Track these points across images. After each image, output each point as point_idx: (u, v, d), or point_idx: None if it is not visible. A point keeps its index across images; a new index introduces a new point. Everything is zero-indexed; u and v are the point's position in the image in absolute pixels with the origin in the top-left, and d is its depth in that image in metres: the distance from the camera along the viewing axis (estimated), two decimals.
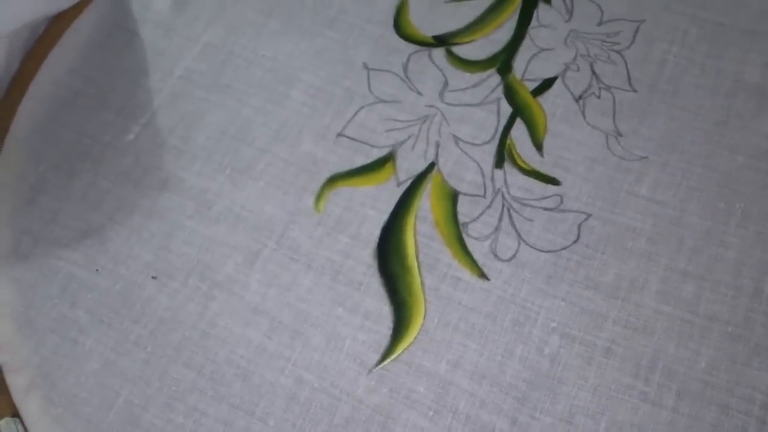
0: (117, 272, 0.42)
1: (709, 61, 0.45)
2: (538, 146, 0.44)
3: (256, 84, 0.48)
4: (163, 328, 0.41)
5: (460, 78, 0.47)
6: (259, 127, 0.46)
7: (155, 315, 0.41)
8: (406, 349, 0.39)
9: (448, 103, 0.46)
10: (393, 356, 0.39)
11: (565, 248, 0.41)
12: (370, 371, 0.39)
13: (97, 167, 0.46)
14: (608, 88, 0.45)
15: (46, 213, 0.44)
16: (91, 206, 0.44)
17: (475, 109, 0.46)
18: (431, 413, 0.38)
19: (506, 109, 0.45)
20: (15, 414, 0.39)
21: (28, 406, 0.39)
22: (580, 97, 0.42)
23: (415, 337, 0.39)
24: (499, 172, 0.43)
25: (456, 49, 0.48)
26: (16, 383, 0.40)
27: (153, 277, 0.42)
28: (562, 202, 0.42)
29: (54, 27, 0.51)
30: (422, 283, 0.41)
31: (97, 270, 0.43)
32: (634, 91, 0.45)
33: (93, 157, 0.46)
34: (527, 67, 0.47)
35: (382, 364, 0.39)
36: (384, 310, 0.40)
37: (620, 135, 0.44)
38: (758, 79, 0.44)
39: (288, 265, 0.42)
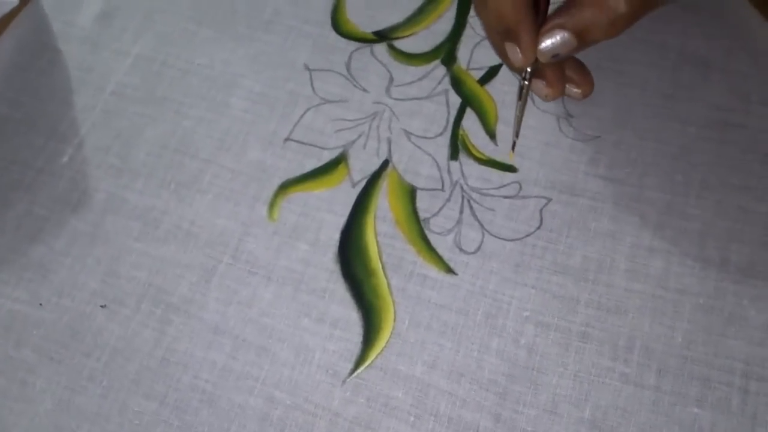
0: (63, 305, 0.40)
1: (651, 36, 0.45)
2: (491, 135, 0.43)
3: (193, 94, 0.46)
4: (119, 359, 0.38)
5: (405, 72, 0.46)
6: (201, 138, 0.44)
7: (108, 346, 0.39)
8: (379, 354, 0.38)
9: (395, 99, 0.45)
10: (366, 363, 0.38)
11: (529, 235, 0.40)
12: (344, 382, 0.37)
13: (31, 195, 0.43)
14: None
15: None
16: (29, 237, 0.41)
17: (424, 102, 0.44)
18: (412, 419, 0.36)
19: (455, 100, 0.44)
20: None
21: None
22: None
23: (387, 341, 0.38)
24: (455, 164, 0.42)
25: (398, 44, 0.47)
26: None
27: (102, 306, 0.40)
28: (521, 188, 0.41)
29: None
30: (389, 285, 0.39)
31: (41, 304, 0.40)
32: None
33: (26, 184, 0.43)
34: (471, 56, 0.46)
35: (355, 373, 0.37)
36: (352, 316, 0.39)
37: (571, 116, 0.43)
38: (702, 51, 0.45)
39: (246, 279, 0.40)
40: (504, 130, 0.43)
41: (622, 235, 0.40)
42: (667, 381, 0.36)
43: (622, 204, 0.40)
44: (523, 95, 0.39)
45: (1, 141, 0.45)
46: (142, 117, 0.45)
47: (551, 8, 0.37)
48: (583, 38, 0.35)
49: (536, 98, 0.44)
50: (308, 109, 0.45)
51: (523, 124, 0.42)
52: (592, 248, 0.39)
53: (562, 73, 0.39)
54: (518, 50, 0.36)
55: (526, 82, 0.38)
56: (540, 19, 0.37)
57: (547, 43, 0.36)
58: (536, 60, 0.37)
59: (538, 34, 0.36)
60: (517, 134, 0.41)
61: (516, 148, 0.42)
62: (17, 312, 0.40)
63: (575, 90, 0.40)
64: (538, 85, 0.39)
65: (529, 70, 0.38)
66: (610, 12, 0.34)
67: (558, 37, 0.35)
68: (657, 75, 0.44)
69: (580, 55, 0.38)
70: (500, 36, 0.37)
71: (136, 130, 0.45)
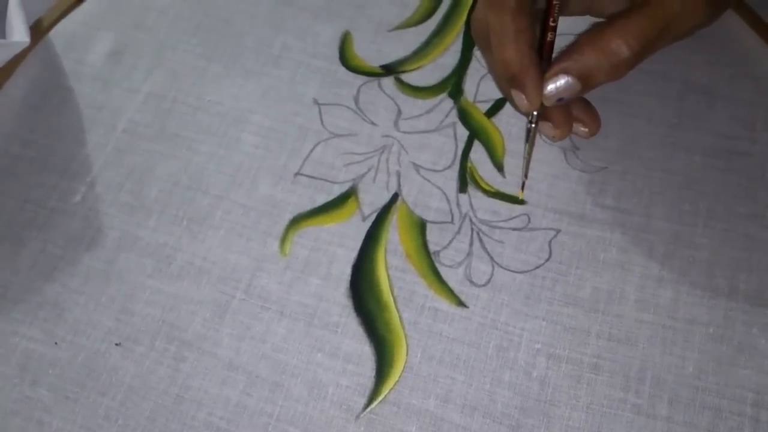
0: (78, 343, 0.40)
1: (655, 66, 0.46)
2: (499, 167, 0.44)
3: (204, 130, 0.46)
4: (134, 397, 0.39)
5: (413, 105, 0.46)
6: (212, 174, 0.45)
7: (123, 384, 0.39)
8: (392, 389, 0.38)
9: (404, 132, 0.45)
10: (380, 398, 0.38)
11: (539, 267, 0.40)
12: (357, 417, 0.38)
13: (44, 234, 0.43)
14: None
15: None
16: (43, 276, 0.42)
17: (432, 135, 0.45)
18: None
19: (463, 133, 0.45)
20: None
21: None
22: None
23: (400, 376, 0.38)
24: (464, 197, 0.43)
25: (405, 77, 0.47)
26: None
27: (117, 344, 0.40)
28: (530, 221, 0.42)
29: None
30: (401, 318, 0.40)
31: (56, 343, 0.40)
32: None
33: (39, 223, 0.44)
34: (478, 89, 0.46)
35: (369, 408, 0.38)
36: (365, 350, 0.39)
37: (577, 148, 0.44)
38: (705, 79, 0.45)
39: (259, 315, 0.40)
40: (511, 162, 0.44)
41: (631, 265, 0.40)
42: (679, 411, 0.36)
43: (631, 234, 0.41)
44: (530, 137, 0.40)
45: (14, 180, 0.45)
46: (154, 154, 0.46)
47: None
48: (586, 82, 0.36)
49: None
50: (318, 144, 0.45)
51: (531, 157, 0.43)
52: (602, 279, 0.40)
53: (568, 114, 0.39)
54: (524, 96, 0.37)
55: (533, 125, 0.39)
56: (544, 63, 0.37)
57: (551, 87, 0.36)
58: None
59: (542, 80, 0.37)
60: (526, 175, 0.41)
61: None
62: (32, 351, 0.40)
63: (582, 129, 0.40)
64: (546, 126, 0.39)
65: (535, 113, 0.39)
66: (612, 56, 0.35)
67: (562, 82, 0.36)
68: (662, 104, 0.45)
69: None
70: (506, 82, 0.38)
71: (148, 167, 0.45)
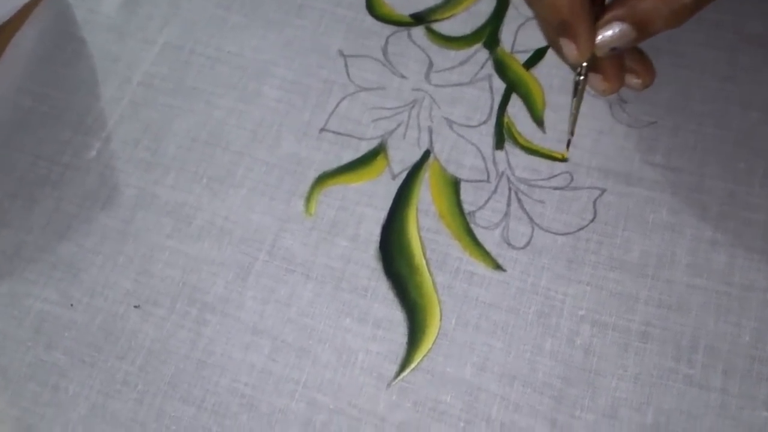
0: (95, 305, 0.38)
1: (708, 14, 0.42)
2: (539, 122, 0.41)
3: (224, 83, 0.44)
4: (154, 362, 0.37)
5: (446, 56, 0.43)
6: (233, 129, 0.42)
7: (143, 348, 0.37)
8: (425, 356, 0.36)
9: (435, 85, 0.42)
10: (412, 366, 0.36)
11: (582, 228, 0.38)
12: (389, 385, 0.35)
13: (58, 191, 0.41)
14: None
15: (8, 247, 0.40)
16: (58, 235, 0.40)
17: (466, 89, 0.42)
18: (462, 424, 0.34)
19: (499, 86, 0.42)
20: None
21: None
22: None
23: (434, 342, 0.36)
24: (500, 154, 0.40)
25: (436, 26, 0.44)
26: None
27: (135, 306, 0.38)
28: (572, 179, 0.39)
29: None
30: (433, 282, 0.37)
31: (72, 305, 0.38)
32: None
33: (53, 180, 0.41)
34: (516, 38, 0.43)
35: (401, 376, 0.36)
36: (396, 315, 0.37)
37: (624, 102, 0.41)
38: (760, 30, 0.42)
39: (284, 278, 0.38)
40: (552, 117, 0.41)
41: (683, 227, 0.37)
42: (734, 383, 0.34)
43: (682, 194, 0.38)
44: (579, 91, 0.37)
45: (26, 135, 0.43)
46: (172, 108, 0.43)
47: None
48: (643, 30, 0.33)
49: None
50: (344, 98, 0.43)
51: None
52: (651, 242, 0.37)
53: (621, 65, 0.36)
54: (574, 45, 0.34)
55: (582, 78, 0.36)
56: (597, 9, 0.34)
57: (604, 35, 0.33)
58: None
59: (594, 27, 0.33)
60: (572, 132, 0.38)
61: (566, 137, 0.39)
62: (47, 313, 0.38)
63: (635, 80, 0.37)
64: (595, 79, 0.36)
65: (585, 64, 0.36)
66: (672, 1, 0.31)
67: (617, 30, 0.33)
68: (714, 56, 0.42)
69: None
70: (554, 30, 0.35)
71: (165, 122, 0.43)
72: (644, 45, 0.38)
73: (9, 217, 0.41)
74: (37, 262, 0.39)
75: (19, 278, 0.39)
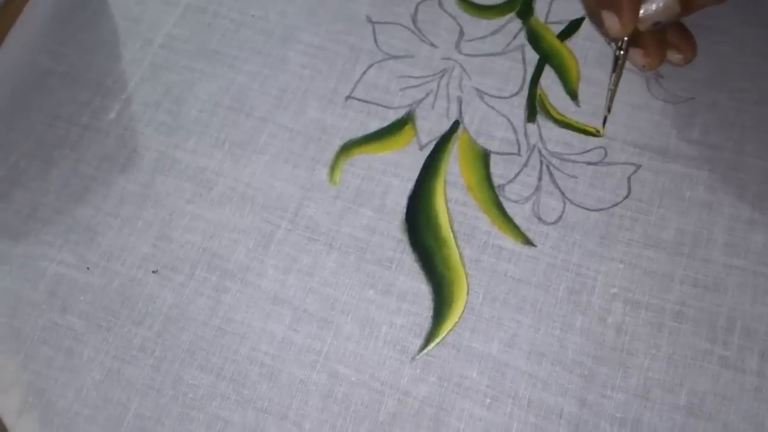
0: (112, 269, 0.37)
1: None
2: (573, 95, 0.40)
3: (248, 48, 0.43)
4: (172, 329, 0.36)
5: (477, 25, 0.42)
6: (257, 94, 0.41)
7: (161, 314, 0.36)
8: (451, 330, 0.35)
9: (466, 54, 0.41)
10: (437, 340, 0.35)
11: (616, 205, 0.37)
12: (413, 359, 0.34)
13: (76, 152, 0.40)
14: None
15: (24, 208, 0.39)
16: (75, 197, 0.39)
17: (498, 59, 0.41)
18: (488, 400, 0.33)
19: (532, 57, 0.41)
20: None
21: (23, 430, 0.34)
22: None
23: (460, 316, 0.35)
24: (532, 127, 0.39)
25: None
26: (6, 405, 0.35)
27: (154, 272, 0.37)
28: (606, 154, 0.38)
29: (11, 3, 0.45)
30: (461, 255, 0.36)
31: (88, 268, 0.37)
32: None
33: (71, 141, 0.40)
34: (550, 8, 0.42)
35: (426, 350, 0.35)
36: (421, 288, 0.36)
37: (661, 77, 0.39)
38: None
39: (307, 247, 0.37)
40: (586, 90, 0.39)
41: (720, 205, 0.36)
42: None
43: (719, 172, 0.37)
44: (619, 66, 0.35)
45: (44, 95, 0.42)
46: (194, 72, 0.42)
47: None
48: (687, 4, 0.32)
49: None
50: (371, 65, 0.41)
51: (606, 84, 0.38)
52: (687, 220, 0.36)
53: (663, 40, 0.35)
54: (617, 18, 0.33)
55: (622, 52, 0.35)
56: None
57: (648, 9, 0.32)
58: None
59: (639, 0, 0.32)
60: (609, 109, 0.37)
61: (600, 111, 0.38)
62: (62, 275, 0.37)
63: (677, 56, 0.36)
64: (636, 54, 0.35)
65: (626, 38, 0.34)
66: None
67: (661, 3, 0.32)
68: (754, 33, 0.40)
69: None
70: (596, 2, 0.33)
71: (187, 86, 0.42)
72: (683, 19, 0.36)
73: (25, 178, 0.40)
74: (53, 224, 0.38)
75: (34, 240, 0.38)
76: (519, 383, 0.33)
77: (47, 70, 0.43)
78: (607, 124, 0.38)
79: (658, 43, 0.35)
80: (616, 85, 0.36)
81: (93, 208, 0.39)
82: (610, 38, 0.35)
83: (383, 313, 0.35)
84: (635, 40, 0.35)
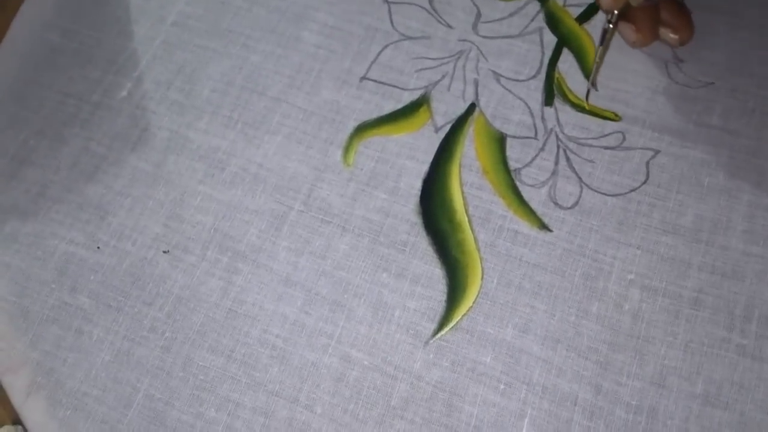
0: (122, 248, 0.37)
1: None
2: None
3: (261, 27, 0.42)
4: (183, 309, 0.35)
5: (494, 7, 0.41)
6: (270, 74, 0.41)
7: (171, 295, 0.36)
8: (465, 315, 0.34)
9: (483, 36, 0.41)
10: (451, 324, 0.34)
11: (634, 190, 0.36)
12: (426, 343, 0.34)
13: (87, 131, 0.40)
14: None
15: (33, 186, 0.38)
16: (85, 175, 0.38)
17: (515, 41, 0.40)
18: (502, 386, 0.33)
19: (550, 40, 0.40)
20: (16, 421, 0.34)
21: (31, 410, 0.34)
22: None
23: (475, 301, 0.35)
24: (549, 110, 0.38)
25: None
26: (14, 385, 0.35)
27: (165, 252, 0.37)
28: (624, 139, 0.37)
29: None
30: (476, 240, 0.36)
31: (98, 247, 0.37)
32: (691, 12, 0.40)
33: (81, 119, 0.40)
34: None
35: (439, 334, 0.34)
36: (435, 272, 0.35)
37: (681, 61, 0.39)
38: None
39: (319, 229, 0.37)
40: (605, 74, 0.39)
41: (739, 192, 0.36)
42: None
43: (739, 158, 0.36)
44: (606, 39, 0.35)
45: (54, 72, 0.41)
46: (206, 50, 0.41)
47: None
48: None
49: None
50: (386, 46, 0.41)
51: (627, 68, 0.38)
52: (706, 206, 0.35)
53: (655, 17, 0.34)
54: None
55: (611, 26, 0.34)
56: None
57: None
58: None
59: None
60: (593, 82, 0.36)
61: (618, 95, 0.38)
62: (72, 254, 0.37)
63: (671, 36, 0.35)
64: (627, 29, 0.34)
65: (616, 12, 0.34)
66: None
67: None
68: None
69: None
70: None
71: (199, 65, 0.41)
72: (701, 5, 0.36)
73: (35, 156, 0.39)
74: (63, 202, 0.38)
75: (44, 218, 0.38)
76: (533, 369, 0.33)
77: (58, 48, 0.42)
78: (625, 108, 0.38)
79: (651, 20, 0.34)
80: (601, 58, 0.36)
81: (104, 187, 0.38)
82: (603, 10, 0.35)
83: (396, 297, 0.35)
84: (628, 15, 0.34)
